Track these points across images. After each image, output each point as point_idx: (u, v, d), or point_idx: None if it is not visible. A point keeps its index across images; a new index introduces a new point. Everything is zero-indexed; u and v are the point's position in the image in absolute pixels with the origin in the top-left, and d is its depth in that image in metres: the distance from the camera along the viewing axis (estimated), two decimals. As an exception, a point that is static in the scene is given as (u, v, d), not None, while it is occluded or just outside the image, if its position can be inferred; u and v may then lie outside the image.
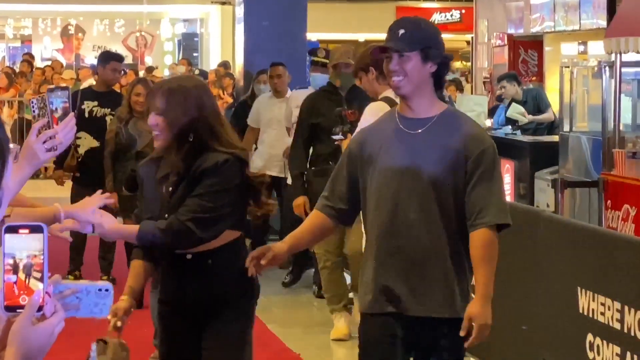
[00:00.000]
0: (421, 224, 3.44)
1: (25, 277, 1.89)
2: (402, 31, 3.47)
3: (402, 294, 3.42)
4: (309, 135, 6.64)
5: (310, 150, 6.88)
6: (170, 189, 3.54)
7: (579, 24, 14.27)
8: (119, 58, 9.04)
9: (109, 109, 8.24)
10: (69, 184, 8.48)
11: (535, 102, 12.70)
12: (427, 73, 3.45)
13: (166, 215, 3.51)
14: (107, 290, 2.07)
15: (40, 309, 1.85)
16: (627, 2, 9.96)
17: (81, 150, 8.29)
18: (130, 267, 3.70)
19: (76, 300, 2.11)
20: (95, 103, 8.37)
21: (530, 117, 12.23)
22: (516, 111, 11.35)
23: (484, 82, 15.22)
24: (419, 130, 3.44)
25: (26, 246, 1.85)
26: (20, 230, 1.89)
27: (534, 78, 13.89)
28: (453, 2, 19.70)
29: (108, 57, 8.68)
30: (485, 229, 3.38)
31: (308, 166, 6.78)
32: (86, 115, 8.26)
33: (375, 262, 3.49)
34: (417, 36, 3.47)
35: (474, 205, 3.40)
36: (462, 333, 3.31)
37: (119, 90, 10.05)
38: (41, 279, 1.89)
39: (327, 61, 7.72)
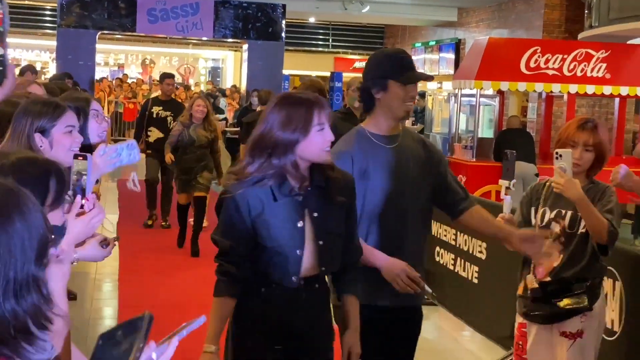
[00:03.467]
0: (418, 232, 3.22)
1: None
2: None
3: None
4: None
5: None
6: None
7: (438, 71, 18.47)
8: (171, 76, 10.36)
9: (170, 112, 9.46)
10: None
11: (417, 116, 16.92)
12: None
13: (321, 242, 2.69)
14: (132, 144, 2.98)
15: (82, 207, 2.18)
16: (465, 60, 12.36)
17: (151, 139, 9.44)
18: (215, 306, 2.68)
19: (117, 156, 2.94)
20: (160, 108, 9.56)
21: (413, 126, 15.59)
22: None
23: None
24: (395, 144, 3.16)
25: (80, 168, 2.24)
26: (78, 158, 2.30)
27: (416, 102, 18.63)
28: (367, 56, 24.28)
29: (165, 76, 10.12)
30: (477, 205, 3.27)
31: None
32: (154, 116, 9.54)
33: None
34: None
35: (457, 193, 3.26)
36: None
37: (179, 100, 11.55)
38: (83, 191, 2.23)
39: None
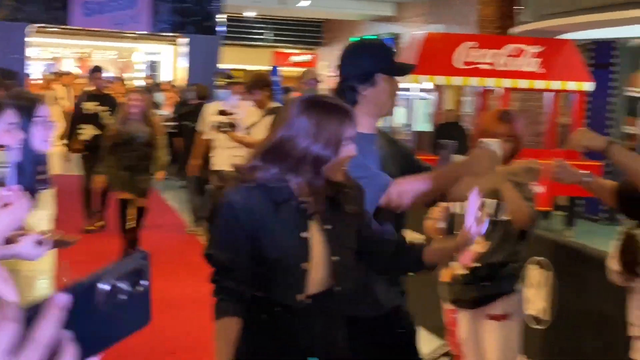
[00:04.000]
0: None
1: None
2: None
3: None
4: None
5: None
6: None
7: None
8: (99, 69, 9.60)
9: (106, 107, 8.97)
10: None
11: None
12: None
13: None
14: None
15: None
16: (402, 55, 11.39)
17: (85, 137, 8.97)
18: (220, 330, 2.33)
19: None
20: (96, 103, 9.08)
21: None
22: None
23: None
24: (379, 145, 2.98)
25: None
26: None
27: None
28: (306, 50, 23.07)
29: (94, 70, 9.54)
30: None
31: None
32: (87, 111, 9.06)
33: None
34: None
35: None
36: None
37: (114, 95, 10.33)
38: None
39: (226, 81, 8.10)
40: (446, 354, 4.89)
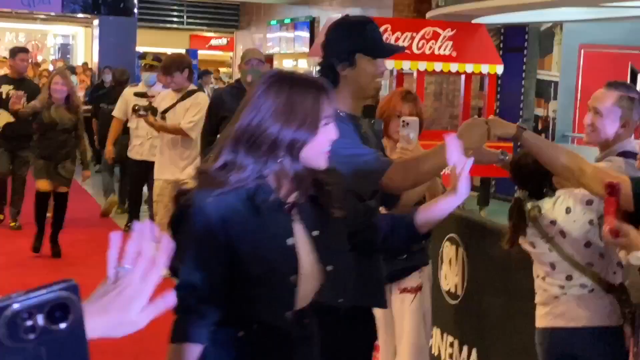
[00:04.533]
0: None
1: None
2: None
3: None
4: (216, 126, 5.73)
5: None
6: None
7: (293, 49, 18.42)
8: (24, 50, 9.10)
9: (23, 93, 7.92)
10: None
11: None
12: None
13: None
14: None
15: None
16: (319, 38, 9.73)
17: None
18: (177, 356, 1.99)
19: None
20: (11, 87, 8.34)
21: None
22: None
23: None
24: (362, 128, 2.86)
25: None
26: None
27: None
28: (223, 33, 23.00)
29: (17, 50, 8.83)
30: None
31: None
32: (2, 96, 8.34)
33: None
34: None
35: None
36: None
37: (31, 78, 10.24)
38: None
39: (155, 63, 7.76)
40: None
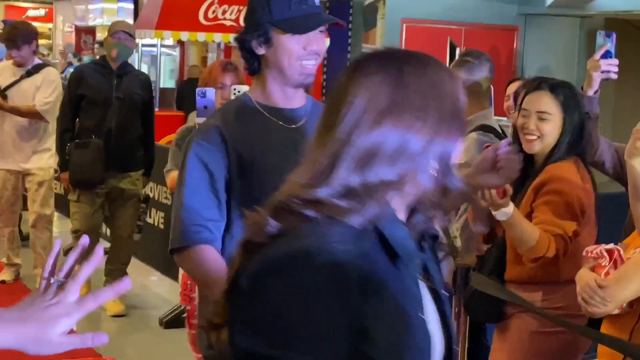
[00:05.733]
0: None
1: None
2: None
3: None
4: (76, 107, 5.40)
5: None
6: None
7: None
8: None
9: None
10: None
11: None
12: None
13: None
14: None
15: None
16: (144, 10, 12.46)
17: None
18: None
19: None
20: None
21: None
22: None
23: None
24: (298, 123, 2.25)
25: None
26: None
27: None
28: (40, 4, 22.07)
29: None
30: None
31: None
32: None
33: None
34: None
35: None
36: None
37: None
38: None
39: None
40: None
